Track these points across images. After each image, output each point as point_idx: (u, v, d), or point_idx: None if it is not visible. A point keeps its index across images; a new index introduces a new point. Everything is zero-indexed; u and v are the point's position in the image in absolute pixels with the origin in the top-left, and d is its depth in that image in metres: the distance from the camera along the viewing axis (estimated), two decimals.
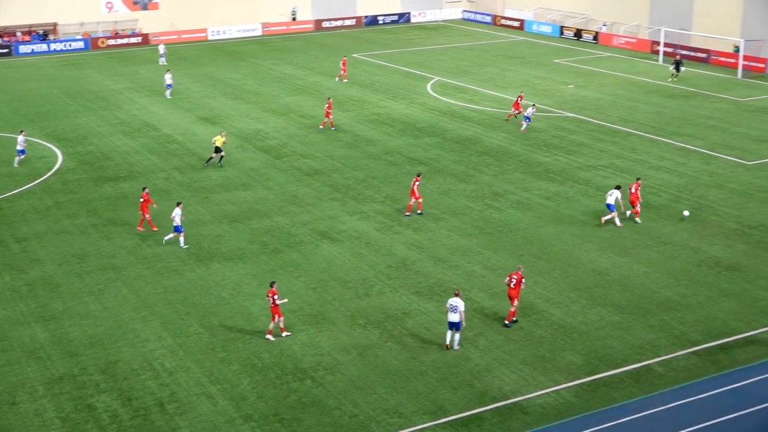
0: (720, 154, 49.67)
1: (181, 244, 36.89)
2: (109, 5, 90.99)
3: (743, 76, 71.11)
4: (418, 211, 40.45)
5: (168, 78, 65.89)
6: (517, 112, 56.42)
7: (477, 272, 34.39)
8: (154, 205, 39.81)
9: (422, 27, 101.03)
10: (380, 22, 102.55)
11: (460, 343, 28.55)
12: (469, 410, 25.33)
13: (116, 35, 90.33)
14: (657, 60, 77.53)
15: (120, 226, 39.71)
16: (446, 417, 25.07)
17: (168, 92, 65.47)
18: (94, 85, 70.93)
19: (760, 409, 25.07)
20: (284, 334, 29.44)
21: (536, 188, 44.16)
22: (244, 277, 34.20)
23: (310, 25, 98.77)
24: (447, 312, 28.40)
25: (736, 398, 25.66)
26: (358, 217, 40.66)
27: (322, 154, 50.57)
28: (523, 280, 29.92)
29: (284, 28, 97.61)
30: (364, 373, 27.28)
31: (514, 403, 25.65)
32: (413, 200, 40.26)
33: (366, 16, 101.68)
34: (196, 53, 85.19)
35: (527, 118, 54.25)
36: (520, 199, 42.62)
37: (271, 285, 29.41)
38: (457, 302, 28.11)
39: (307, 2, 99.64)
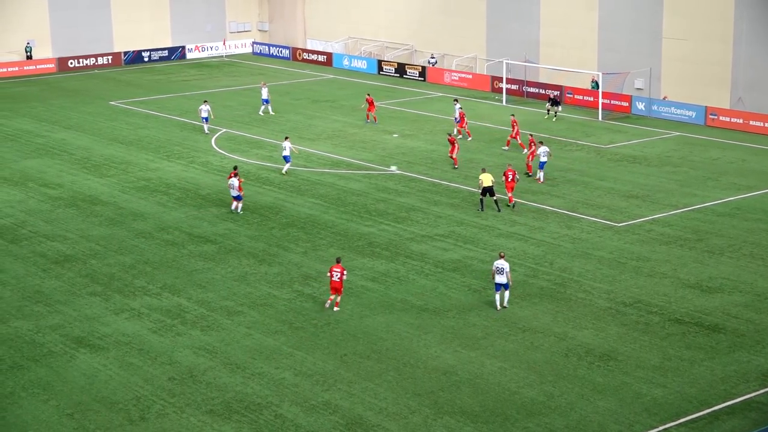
0: (583, 215, 51.80)
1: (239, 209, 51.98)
2: None
3: (604, 117, 74.70)
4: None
5: None
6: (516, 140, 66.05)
7: (287, 380, 34.24)
8: None
9: (201, 64, 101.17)
10: (146, 59, 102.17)
11: (509, 301, 39.54)
12: None
13: None
14: (500, 100, 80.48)
15: None
16: None
17: None
18: None
19: None
20: (336, 308, 39.52)
21: (358, 267, 44.63)
22: None
23: (52, 65, 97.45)
24: (494, 275, 38.99)
25: None
26: (127, 315, 39.89)
27: (75, 235, 49.51)
28: (517, 176, 51.71)
29: (16, 69, 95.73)
30: None
31: None
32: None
33: (126, 52, 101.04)
34: None
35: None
36: None
37: (338, 261, 39.74)
38: (503, 264, 38.77)
39: (46, 35, 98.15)
